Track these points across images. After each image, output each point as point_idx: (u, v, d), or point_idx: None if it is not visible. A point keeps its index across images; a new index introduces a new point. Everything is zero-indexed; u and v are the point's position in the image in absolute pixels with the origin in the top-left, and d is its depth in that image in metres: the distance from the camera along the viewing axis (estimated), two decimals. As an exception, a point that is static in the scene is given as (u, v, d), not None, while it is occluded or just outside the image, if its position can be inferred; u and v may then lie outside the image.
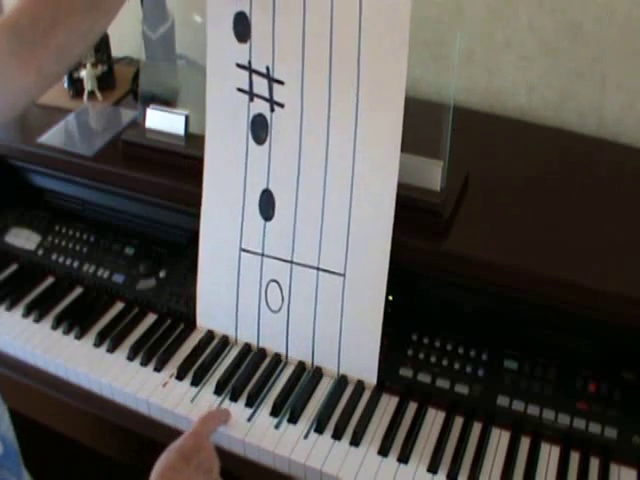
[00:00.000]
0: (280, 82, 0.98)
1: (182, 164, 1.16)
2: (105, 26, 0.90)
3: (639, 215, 1.08)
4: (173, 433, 0.99)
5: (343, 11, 0.91)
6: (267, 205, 1.03)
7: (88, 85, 1.36)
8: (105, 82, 1.40)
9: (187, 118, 1.18)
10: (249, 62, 0.99)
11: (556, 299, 0.96)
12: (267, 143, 1.01)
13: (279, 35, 0.96)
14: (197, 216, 1.10)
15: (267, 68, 0.98)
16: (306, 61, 0.95)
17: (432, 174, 1.03)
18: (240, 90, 1.01)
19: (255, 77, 0.99)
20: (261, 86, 0.99)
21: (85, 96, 1.38)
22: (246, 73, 0.99)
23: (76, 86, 1.38)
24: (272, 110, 0.99)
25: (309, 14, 0.93)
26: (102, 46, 1.38)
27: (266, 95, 0.99)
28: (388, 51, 0.90)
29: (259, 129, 1.01)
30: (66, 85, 1.39)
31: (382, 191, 0.96)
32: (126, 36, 1.46)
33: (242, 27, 0.97)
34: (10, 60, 0.80)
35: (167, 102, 1.26)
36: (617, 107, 1.27)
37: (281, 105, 0.99)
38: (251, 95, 1.00)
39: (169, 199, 1.16)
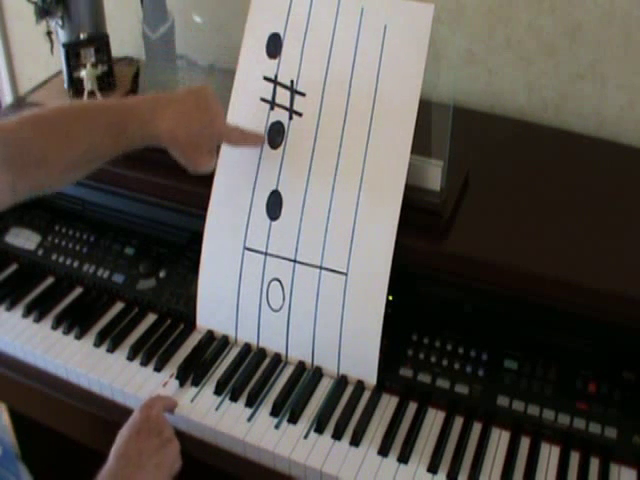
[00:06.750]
0: (302, 94, 1.04)
1: (182, 164, 1.17)
2: (83, 176, 0.93)
3: (639, 215, 1.09)
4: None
5: (368, 33, 1.01)
6: (274, 205, 1.05)
7: (88, 85, 1.36)
8: (105, 82, 1.39)
9: (187, 118, 1.18)
10: (275, 76, 1.06)
11: (556, 299, 0.96)
12: (281, 147, 1.05)
13: (307, 53, 1.04)
14: (197, 216, 1.10)
15: (291, 81, 1.05)
16: (329, 76, 1.03)
17: (432, 174, 1.04)
18: (263, 100, 1.06)
19: (279, 89, 1.05)
20: (283, 97, 1.06)
21: (85, 96, 1.37)
22: (271, 85, 1.06)
23: (76, 86, 1.37)
24: (290, 118, 1.05)
25: (337, 36, 1.03)
26: (102, 46, 1.37)
27: (287, 105, 1.05)
28: (405, 70, 0.99)
29: (275, 135, 1.06)
30: (66, 85, 1.39)
31: (389, 193, 0.99)
32: (126, 36, 1.46)
33: (274, 46, 1.06)
34: None
35: (167, 102, 1.25)
36: (617, 107, 1.27)
37: (300, 114, 1.04)
38: (272, 105, 1.06)
39: (169, 199, 1.16)
